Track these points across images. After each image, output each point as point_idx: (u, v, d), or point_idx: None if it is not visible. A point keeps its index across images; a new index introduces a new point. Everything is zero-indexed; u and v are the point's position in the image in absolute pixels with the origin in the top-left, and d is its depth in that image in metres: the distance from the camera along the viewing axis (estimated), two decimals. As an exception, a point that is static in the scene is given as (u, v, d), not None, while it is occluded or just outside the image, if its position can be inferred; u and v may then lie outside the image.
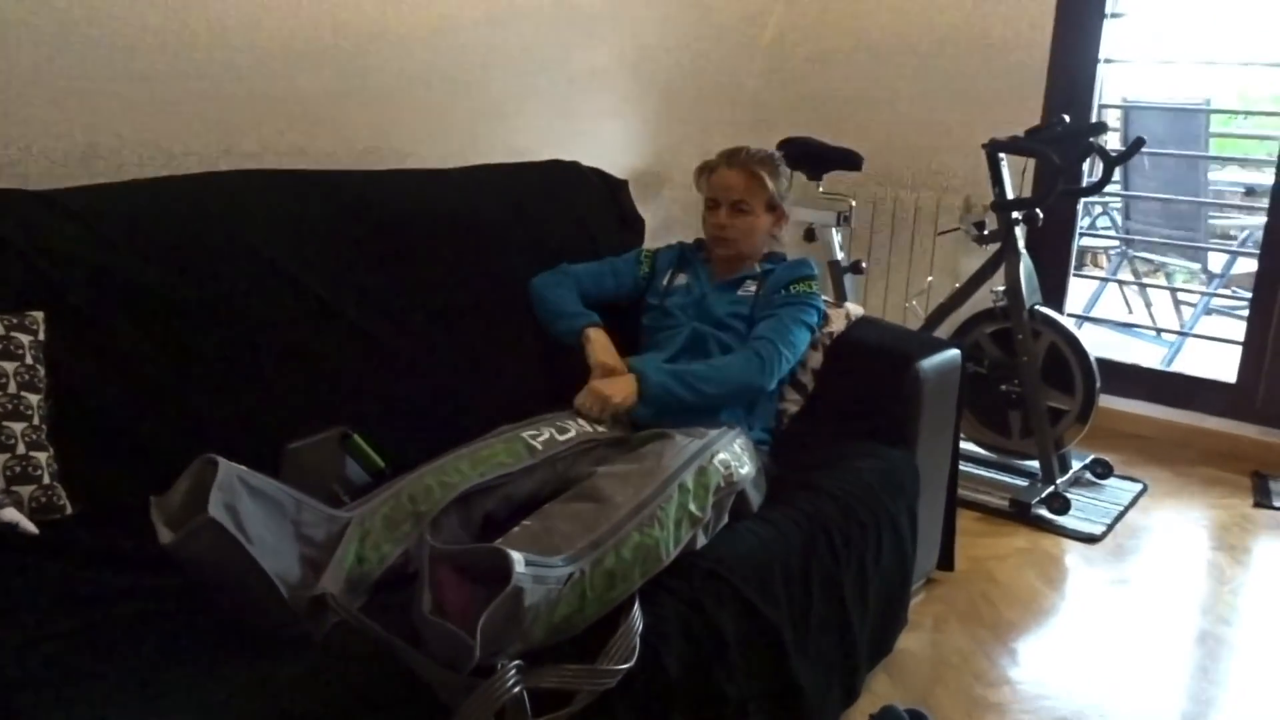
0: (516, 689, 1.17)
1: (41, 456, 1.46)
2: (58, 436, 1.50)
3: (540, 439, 1.70)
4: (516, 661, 1.20)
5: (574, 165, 2.50)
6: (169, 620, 1.27)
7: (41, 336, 1.52)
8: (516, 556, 1.22)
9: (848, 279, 2.93)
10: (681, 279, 2.16)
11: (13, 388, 1.45)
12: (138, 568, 1.36)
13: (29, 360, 1.48)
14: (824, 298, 2.17)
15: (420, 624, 1.18)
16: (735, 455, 1.71)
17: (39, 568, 1.34)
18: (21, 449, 1.43)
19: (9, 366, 1.46)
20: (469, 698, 1.14)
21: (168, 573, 1.30)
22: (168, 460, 1.57)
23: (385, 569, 1.41)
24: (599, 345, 2.03)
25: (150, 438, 1.62)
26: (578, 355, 2.04)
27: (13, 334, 1.48)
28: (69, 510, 1.47)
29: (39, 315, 1.53)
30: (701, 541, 1.58)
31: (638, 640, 1.33)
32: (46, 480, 1.45)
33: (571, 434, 1.76)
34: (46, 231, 1.61)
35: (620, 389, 1.87)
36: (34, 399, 1.47)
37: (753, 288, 2.10)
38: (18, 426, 1.44)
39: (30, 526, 1.39)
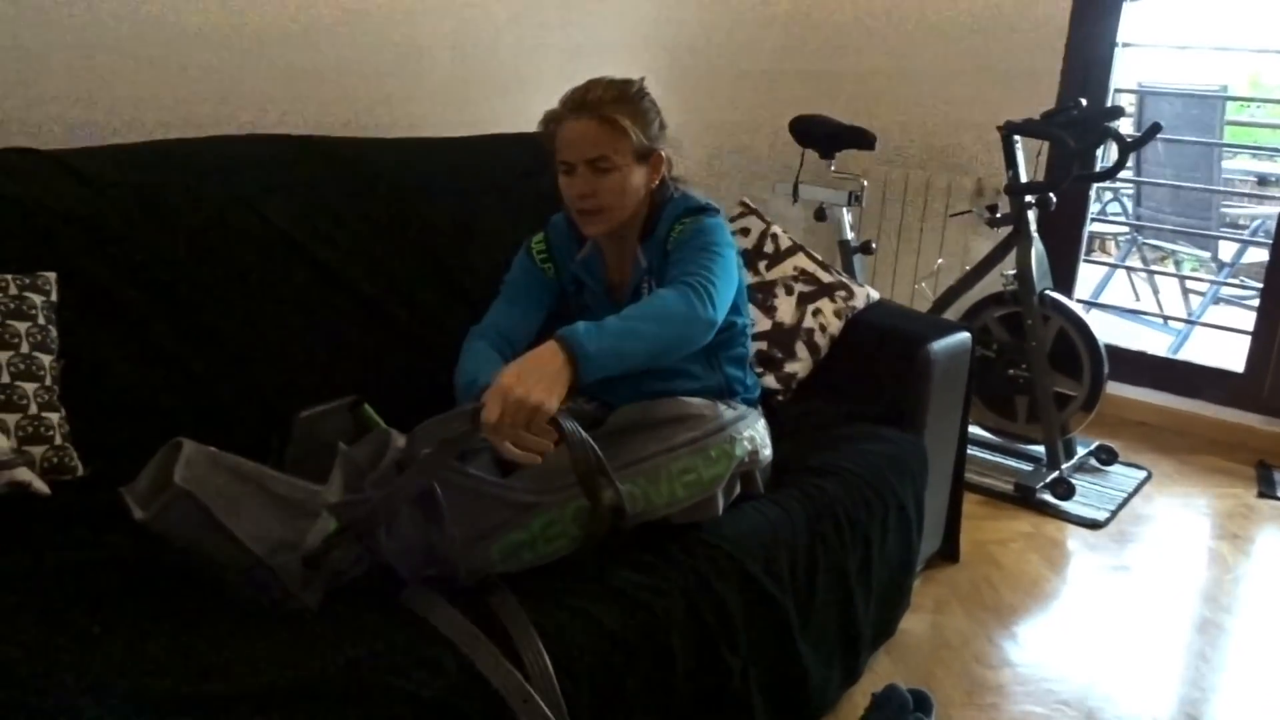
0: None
1: (53, 417, 1.46)
2: (69, 397, 1.50)
3: None
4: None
5: (586, 137, 2.48)
6: (181, 584, 1.27)
7: (54, 297, 1.52)
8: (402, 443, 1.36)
9: (857, 259, 2.92)
10: (587, 300, 1.79)
11: (25, 348, 1.45)
12: (149, 532, 1.36)
13: (41, 321, 1.48)
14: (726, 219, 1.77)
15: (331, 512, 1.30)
16: (760, 436, 1.70)
17: (51, 529, 1.35)
18: (34, 409, 1.43)
19: (21, 326, 1.45)
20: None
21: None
22: (177, 424, 1.58)
23: None
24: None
25: (160, 401, 1.62)
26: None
27: (25, 294, 1.48)
28: (80, 471, 1.47)
29: (51, 276, 1.53)
30: (721, 506, 1.58)
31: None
32: (58, 441, 1.45)
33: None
34: (58, 193, 1.61)
35: (537, 372, 1.33)
36: (46, 359, 1.47)
37: (646, 289, 1.72)
38: (30, 387, 1.44)
39: (42, 486, 1.39)
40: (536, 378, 1.32)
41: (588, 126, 1.59)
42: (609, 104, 1.60)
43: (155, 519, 1.21)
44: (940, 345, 2.12)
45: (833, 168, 2.87)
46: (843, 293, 2.25)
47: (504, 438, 1.30)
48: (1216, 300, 4.34)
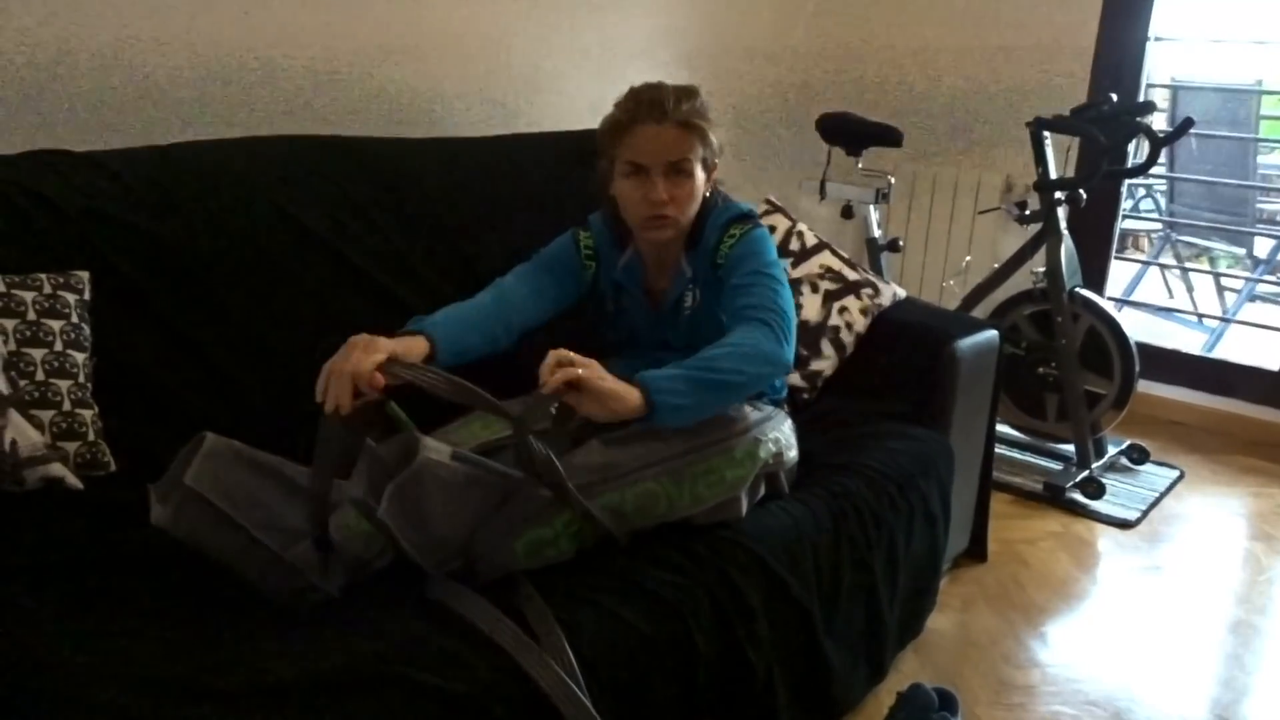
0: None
1: (86, 414, 1.48)
2: (102, 394, 1.52)
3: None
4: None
5: (612, 136, 2.48)
6: (210, 578, 1.29)
7: (87, 296, 1.54)
8: (430, 443, 1.31)
9: (884, 257, 2.90)
10: (624, 304, 1.80)
11: (59, 346, 1.48)
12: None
13: (74, 319, 1.51)
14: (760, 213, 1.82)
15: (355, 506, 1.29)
16: (786, 437, 1.70)
17: (84, 524, 1.37)
18: (67, 406, 1.46)
19: (55, 325, 1.48)
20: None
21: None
22: (207, 420, 1.60)
23: None
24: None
25: (190, 398, 1.65)
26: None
27: (59, 293, 1.50)
28: (113, 467, 1.49)
29: (84, 275, 1.55)
30: (745, 507, 1.58)
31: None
32: (91, 437, 1.48)
33: None
34: (90, 193, 1.63)
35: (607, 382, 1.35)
36: (79, 357, 1.50)
37: (689, 299, 1.73)
38: (64, 384, 1.46)
39: (75, 482, 1.42)
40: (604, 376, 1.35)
41: (672, 131, 1.59)
42: (686, 110, 1.60)
43: (171, 523, 1.23)
44: (967, 343, 2.11)
45: (860, 165, 2.86)
46: (869, 290, 2.24)
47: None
48: (1252, 297, 4.28)
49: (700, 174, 1.64)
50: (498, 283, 1.71)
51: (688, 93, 1.63)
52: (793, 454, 1.71)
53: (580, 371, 1.32)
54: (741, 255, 1.64)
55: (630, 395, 1.36)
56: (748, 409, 1.66)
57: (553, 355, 1.34)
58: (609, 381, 1.34)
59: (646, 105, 1.60)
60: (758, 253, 1.65)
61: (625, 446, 1.51)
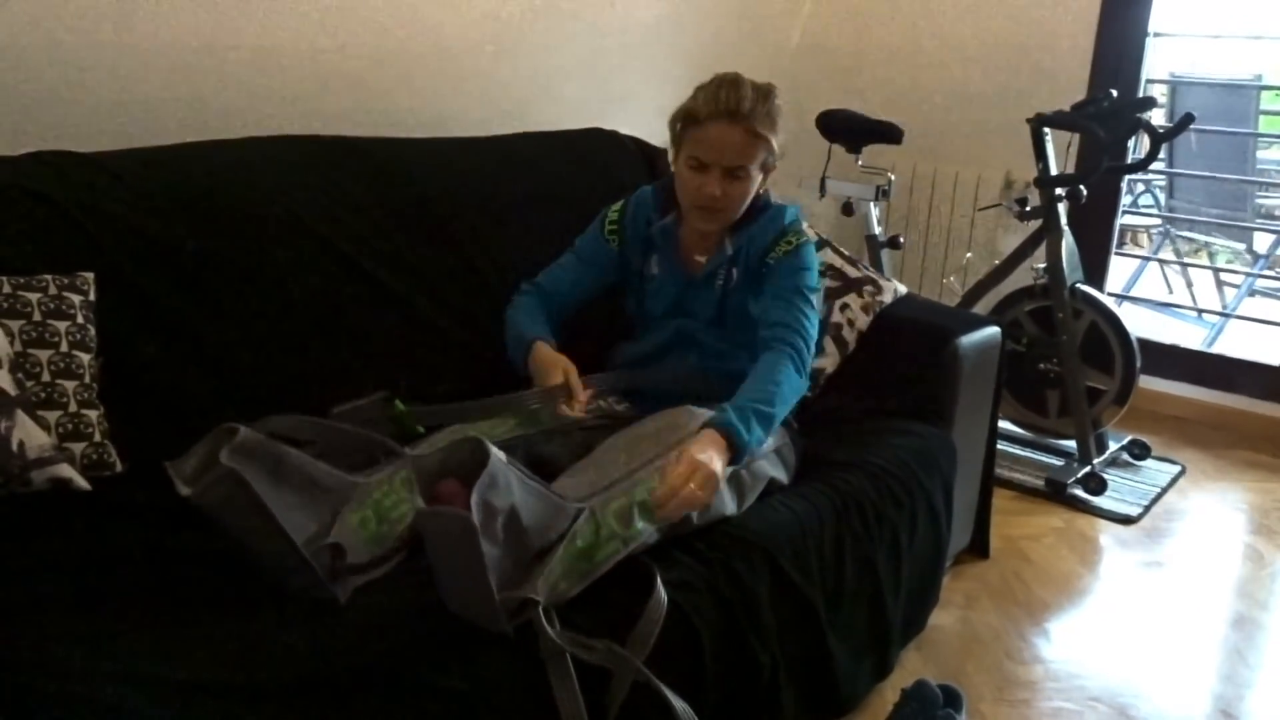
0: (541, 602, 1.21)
1: (92, 415, 1.48)
2: (108, 395, 1.52)
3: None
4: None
5: (612, 134, 2.49)
6: (216, 577, 1.29)
7: (92, 297, 1.54)
8: (493, 448, 1.26)
9: (885, 254, 2.91)
10: (653, 268, 1.88)
11: (64, 346, 1.48)
12: (187, 525, 1.38)
13: (80, 320, 1.51)
14: (813, 234, 1.95)
15: (420, 522, 1.21)
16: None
17: (91, 524, 1.37)
18: (73, 407, 1.46)
19: (61, 326, 1.48)
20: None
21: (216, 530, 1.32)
22: (214, 420, 1.59)
23: (406, 527, 1.40)
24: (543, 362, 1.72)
25: (196, 397, 1.65)
26: (608, 328, 1.99)
27: (64, 294, 1.50)
28: (119, 468, 1.50)
29: (89, 276, 1.56)
30: (730, 507, 1.59)
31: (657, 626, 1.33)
32: (97, 438, 1.48)
33: (591, 405, 1.77)
34: (95, 194, 1.64)
35: (705, 467, 1.45)
36: (85, 358, 1.50)
37: (722, 277, 1.82)
38: (69, 385, 1.47)
39: (82, 483, 1.42)
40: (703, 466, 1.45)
41: (737, 136, 1.66)
42: (760, 117, 1.66)
43: (200, 496, 1.23)
44: (969, 340, 2.12)
45: (860, 162, 2.86)
46: (870, 288, 2.24)
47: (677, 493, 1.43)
48: (1252, 292, 4.28)
49: (757, 176, 1.73)
50: (537, 283, 1.90)
51: (764, 96, 1.68)
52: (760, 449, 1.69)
53: (702, 496, 1.44)
54: (790, 268, 1.75)
55: (719, 463, 1.48)
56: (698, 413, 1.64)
57: (676, 478, 1.43)
58: (714, 481, 1.46)
59: (724, 105, 1.65)
60: (805, 269, 1.76)
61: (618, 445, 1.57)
